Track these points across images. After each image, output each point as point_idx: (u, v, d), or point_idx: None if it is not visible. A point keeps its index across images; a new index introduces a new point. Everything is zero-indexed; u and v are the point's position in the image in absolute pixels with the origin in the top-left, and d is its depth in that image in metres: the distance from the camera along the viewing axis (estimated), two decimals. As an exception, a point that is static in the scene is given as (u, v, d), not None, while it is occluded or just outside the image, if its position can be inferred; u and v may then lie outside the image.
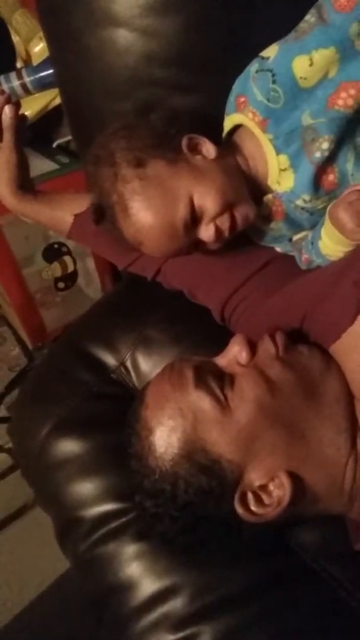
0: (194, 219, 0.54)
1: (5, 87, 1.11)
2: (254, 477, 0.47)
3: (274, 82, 0.49)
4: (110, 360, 0.72)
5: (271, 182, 0.56)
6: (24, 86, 1.11)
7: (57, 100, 1.15)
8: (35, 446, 0.67)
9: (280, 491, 0.46)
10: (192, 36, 0.53)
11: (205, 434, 0.46)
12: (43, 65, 1.08)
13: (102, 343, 0.73)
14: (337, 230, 0.52)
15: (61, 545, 0.65)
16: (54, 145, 1.32)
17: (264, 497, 0.47)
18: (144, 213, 0.54)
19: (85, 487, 0.62)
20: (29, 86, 1.12)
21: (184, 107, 0.58)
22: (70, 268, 1.44)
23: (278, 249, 0.64)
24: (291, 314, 0.56)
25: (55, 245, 1.37)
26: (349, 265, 0.52)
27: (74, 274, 1.46)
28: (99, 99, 0.60)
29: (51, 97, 1.16)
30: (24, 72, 1.10)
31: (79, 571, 0.62)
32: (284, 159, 0.53)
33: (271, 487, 0.47)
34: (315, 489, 0.48)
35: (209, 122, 0.55)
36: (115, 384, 0.71)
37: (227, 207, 0.55)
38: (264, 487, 0.47)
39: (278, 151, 0.52)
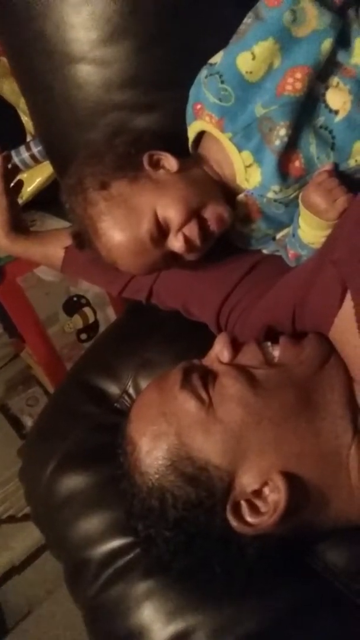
0: (161, 231, 0.55)
1: (16, 159, 1.23)
2: (246, 483, 0.43)
3: (222, 82, 0.51)
4: (113, 389, 0.71)
5: (240, 181, 0.56)
6: (33, 157, 1.23)
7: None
8: (41, 486, 0.66)
9: (275, 495, 0.42)
10: (142, 58, 0.58)
11: (190, 439, 0.44)
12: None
13: (104, 373, 0.73)
14: (312, 214, 0.51)
15: (71, 593, 0.61)
16: (69, 214, 1.42)
17: (259, 504, 0.43)
18: (111, 232, 0.56)
19: (91, 524, 0.59)
20: (37, 156, 1.23)
21: (147, 125, 0.61)
22: (91, 319, 1.48)
23: (265, 251, 0.63)
24: (282, 310, 0.54)
25: (75, 298, 1.43)
26: (326, 246, 0.50)
27: (95, 324, 1.50)
28: (70, 133, 0.66)
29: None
30: (32, 144, 1.22)
31: (89, 620, 0.57)
32: (247, 155, 0.53)
33: (266, 491, 0.42)
34: (318, 488, 0.43)
35: (171, 137, 0.57)
36: (119, 413, 0.69)
37: (193, 215, 0.55)
38: (257, 493, 0.43)
39: (240, 148, 0.53)
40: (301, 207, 0.52)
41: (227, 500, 0.43)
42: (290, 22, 0.48)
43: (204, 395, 0.45)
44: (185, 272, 0.64)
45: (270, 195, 0.54)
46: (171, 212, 0.55)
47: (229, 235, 0.61)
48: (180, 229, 0.55)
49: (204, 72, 0.54)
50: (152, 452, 0.45)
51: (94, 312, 1.49)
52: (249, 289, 0.60)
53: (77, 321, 1.47)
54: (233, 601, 0.48)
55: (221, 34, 0.53)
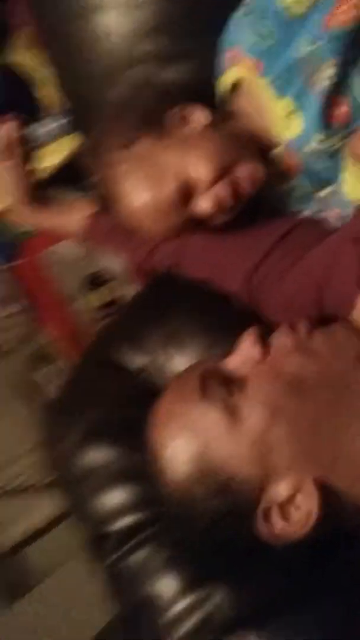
0: (187, 192, 0.51)
1: (36, 133, 1.17)
2: (277, 492, 0.39)
3: (262, 18, 0.44)
4: (138, 360, 0.67)
5: (278, 133, 0.50)
6: (49, 133, 1.17)
7: (84, 141, 1.21)
8: (65, 457, 0.63)
9: (308, 503, 0.38)
10: (174, 2, 0.53)
11: (217, 450, 0.40)
12: (66, 111, 1.14)
13: (129, 344, 0.69)
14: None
15: (93, 559, 0.59)
16: (88, 181, 1.37)
17: (291, 511, 0.39)
18: (134, 193, 0.51)
19: (113, 497, 0.57)
20: (55, 131, 1.17)
21: (177, 78, 0.56)
22: (113, 295, 1.45)
23: (306, 212, 0.57)
24: (307, 288, 0.50)
25: (97, 274, 1.39)
26: (349, 224, 0.44)
27: (118, 300, 1.46)
28: (95, 89, 0.62)
29: (76, 141, 1.21)
30: (50, 120, 1.16)
31: (110, 586, 0.56)
32: (286, 102, 0.47)
33: (298, 498, 0.39)
34: (353, 494, 0.39)
35: (203, 91, 0.51)
36: (143, 386, 0.65)
37: (222, 174, 0.50)
38: (290, 501, 0.39)
39: (279, 95, 0.47)
40: (348, 159, 0.46)
41: (258, 508, 0.39)
42: None
43: (228, 403, 0.40)
44: (212, 238, 0.59)
45: (313, 145, 0.48)
46: (199, 170, 0.49)
47: (264, 196, 0.55)
48: (209, 188, 0.50)
49: (240, 11, 0.48)
50: (177, 463, 0.41)
51: (116, 288, 1.45)
52: (280, 258, 0.55)
53: (100, 297, 1.44)
54: (257, 576, 0.46)
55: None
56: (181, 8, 0.53)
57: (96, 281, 1.43)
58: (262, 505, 0.39)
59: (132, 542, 0.53)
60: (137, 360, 0.67)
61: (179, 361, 0.64)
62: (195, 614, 0.48)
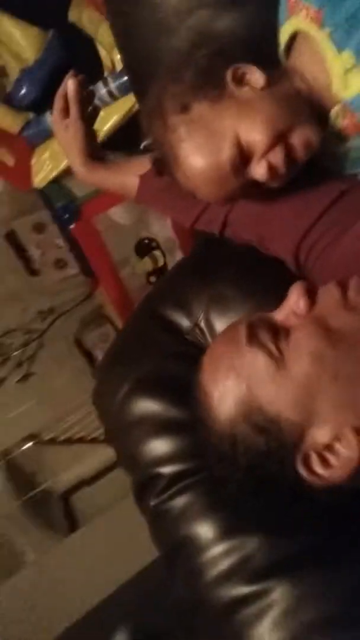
0: (243, 157, 0.50)
1: (100, 93, 1.18)
2: (318, 437, 0.41)
3: None
4: (184, 321, 0.70)
5: (337, 90, 0.48)
6: (110, 93, 1.19)
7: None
8: (115, 406, 0.68)
9: (348, 451, 0.40)
10: None
11: (261, 392, 0.42)
12: (125, 70, 1.14)
13: (175, 305, 0.71)
14: None
15: (138, 502, 0.64)
16: (142, 146, 1.38)
17: (330, 457, 0.41)
18: (191, 159, 0.52)
19: (162, 445, 0.61)
20: (115, 92, 1.19)
21: (234, 25, 0.54)
22: (161, 262, 1.48)
23: None
24: None
25: (146, 241, 1.42)
26: None
27: (165, 267, 1.49)
28: (152, 39, 0.61)
29: (135, 100, 1.22)
30: (109, 80, 1.17)
31: (153, 524, 0.60)
32: (347, 56, 0.45)
33: (337, 446, 0.41)
34: None
35: (261, 43, 0.50)
36: (190, 345, 0.68)
37: (279, 139, 0.49)
38: (329, 447, 0.41)
39: (340, 47, 0.45)
40: None
41: (298, 451, 0.42)
42: None
43: (273, 349, 0.43)
44: (264, 201, 0.59)
45: None
46: (255, 136, 0.49)
47: (321, 157, 0.54)
48: (264, 154, 0.50)
49: None
50: (223, 402, 0.44)
51: (164, 256, 1.47)
52: (332, 223, 0.54)
53: (147, 264, 1.47)
54: (293, 529, 0.48)
55: None
56: None
57: (146, 248, 1.46)
58: (303, 449, 0.41)
59: (177, 487, 0.56)
60: (183, 321, 0.70)
61: (222, 325, 0.65)
62: (231, 557, 0.51)
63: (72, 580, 1.31)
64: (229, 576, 0.51)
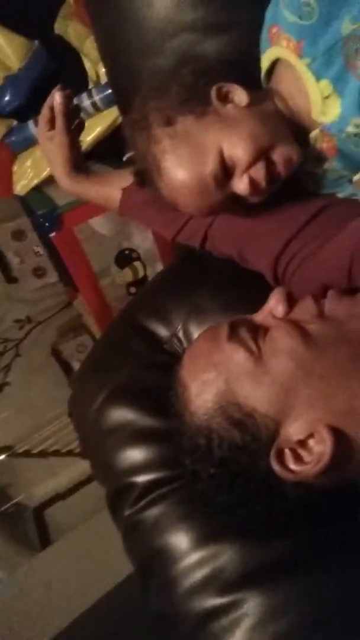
0: (226, 171, 0.52)
1: (83, 105, 1.19)
2: (292, 433, 0.42)
3: None
4: (162, 331, 0.71)
5: (315, 115, 0.51)
6: (94, 104, 1.20)
7: (124, 116, 1.22)
8: (90, 414, 0.68)
9: (320, 447, 0.41)
10: None
11: (238, 386, 0.44)
12: (109, 83, 1.16)
13: (155, 315, 0.72)
14: None
15: (112, 513, 0.63)
16: (124, 158, 1.40)
17: (303, 453, 0.42)
18: (174, 171, 0.53)
19: (136, 454, 0.61)
20: (99, 104, 1.20)
21: (217, 50, 0.56)
22: (141, 273, 1.49)
23: (340, 195, 0.58)
24: (339, 264, 0.51)
25: (127, 252, 1.43)
26: None
27: (145, 278, 1.50)
28: (137, 58, 0.62)
29: (119, 113, 1.24)
30: (93, 92, 1.19)
31: (127, 536, 0.60)
32: (325, 85, 0.48)
33: (311, 443, 0.42)
34: None
35: (244, 65, 0.52)
36: (168, 355, 0.69)
37: (261, 155, 0.51)
38: (302, 443, 0.42)
39: (318, 77, 0.48)
40: None
41: (272, 446, 0.43)
42: None
43: (252, 346, 0.45)
44: (244, 216, 0.61)
45: (351, 129, 0.48)
46: (238, 151, 0.51)
47: (299, 177, 0.57)
48: (246, 169, 0.52)
49: None
50: (201, 395, 0.45)
51: (144, 267, 1.48)
52: (311, 236, 0.56)
53: (128, 274, 1.48)
54: (269, 532, 0.49)
55: None
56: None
57: (126, 259, 1.47)
58: (277, 444, 0.42)
59: (150, 497, 0.56)
60: (162, 331, 0.71)
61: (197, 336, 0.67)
62: (204, 568, 0.51)
63: (43, 599, 1.27)
64: (202, 588, 0.51)
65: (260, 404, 0.43)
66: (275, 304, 0.48)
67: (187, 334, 0.69)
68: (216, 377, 0.45)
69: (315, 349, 0.43)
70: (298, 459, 0.42)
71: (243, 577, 0.49)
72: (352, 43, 0.45)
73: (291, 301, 0.48)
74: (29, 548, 1.56)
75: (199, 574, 0.51)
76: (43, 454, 1.81)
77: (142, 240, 1.46)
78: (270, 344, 0.45)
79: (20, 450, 1.78)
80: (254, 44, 0.53)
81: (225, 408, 0.43)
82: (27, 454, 1.79)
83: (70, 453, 1.82)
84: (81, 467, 1.79)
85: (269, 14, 0.51)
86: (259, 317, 0.49)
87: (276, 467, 0.42)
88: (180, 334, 0.69)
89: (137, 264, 1.48)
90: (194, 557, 0.52)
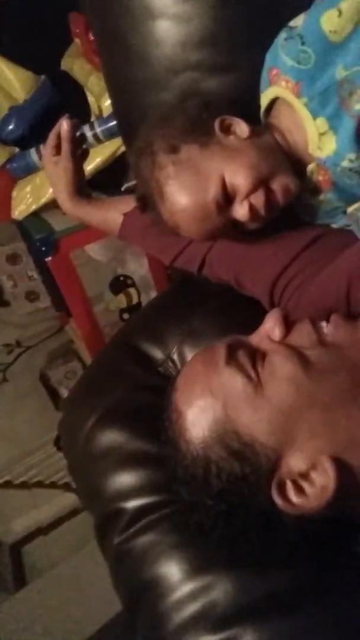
0: (227, 198, 0.55)
1: (88, 134, 1.25)
2: (293, 464, 0.41)
3: (302, 43, 0.49)
4: (157, 354, 0.71)
5: (312, 150, 0.54)
6: (95, 136, 1.25)
7: (124, 148, 1.28)
8: (80, 438, 0.66)
9: (323, 479, 0.40)
10: (222, 16, 0.57)
11: (237, 414, 0.42)
12: (111, 117, 1.22)
13: (150, 338, 0.73)
14: None
15: (100, 542, 0.61)
16: (123, 188, 1.45)
17: (305, 485, 0.41)
18: (177, 196, 0.55)
19: (127, 478, 0.59)
20: (100, 136, 1.25)
21: (219, 88, 0.60)
22: (135, 300, 1.50)
23: (334, 226, 0.61)
24: (336, 289, 0.52)
25: (121, 278, 1.45)
26: None
27: (139, 305, 1.51)
28: (143, 93, 0.66)
29: (118, 145, 1.29)
30: (95, 124, 1.24)
31: (114, 567, 0.57)
32: (321, 122, 0.51)
33: (313, 475, 0.41)
34: None
35: (244, 102, 0.56)
36: (162, 377, 0.69)
37: (261, 183, 0.54)
38: (304, 475, 0.41)
39: (315, 115, 0.52)
40: None
41: (272, 477, 0.41)
42: None
43: (251, 372, 0.43)
44: (242, 243, 0.63)
45: (345, 164, 0.51)
46: (239, 179, 0.54)
47: (296, 208, 0.59)
48: (246, 196, 0.54)
49: (282, 35, 0.53)
50: (197, 423, 0.44)
51: (139, 294, 1.50)
52: (307, 263, 0.58)
53: (122, 300, 1.49)
54: (264, 564, 0.47)
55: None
56: (228, 24, 0.58)
57: (121, 285, 1.49)
58: (278, 475, 0.41)
59: (140, 524, 0.55)
60: (156, 353, 0.71)
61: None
62: (196, 602, 0.49)
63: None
64: (194, 624, 0.48)
65: (260, 432, 0.41)
66: (272, 326, 0.47)
67: (182, 357, 0.69)
68: (213, 404, 0.43)
69: (316, 376, 0.42)
70: (300, 490, 0.41)
71: (237, 611, 0.47)
72: (346, 86, 0.48)
73: (288, 324, 0.47)
74: (1, 589, 1.47)
75: (190, 609, 0.49)
76: (25, 485, 1.74)
77: (137, 267, 1.48)
78: (270, 370, 0.43)
79: (1, 481, 1.72)
80: (254, 83, 0.57)
81: (224, 436, 0.42)
82: (7, 484, 1.73)
83: (53, 485, 1.76)
84: (64, 500, 1.72)
85: (269, 57, 0.56)
86: (255, 339, 0.48)
87: (278, 500, 0.41)
88: (175, 357, 0.69)
89: (131, 290, 1.50)
90: (185, 589, 0.50)
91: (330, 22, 0.48)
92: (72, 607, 1.26)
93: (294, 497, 0.41)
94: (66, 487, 1.76)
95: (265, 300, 0.63)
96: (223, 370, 0.44)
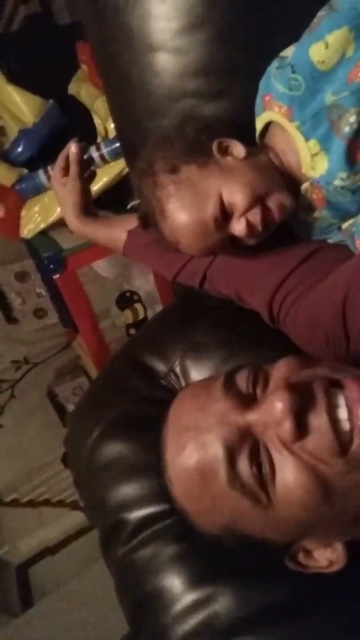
0: (225, 215, 0.58)
1: (94, 155, 1.30)
2: (306, 544, 0.44)
3: (293, 72, 0.53)
4: (160, 367, 0.74)
5: (306, 170, 0.57)
6: (102, 157, 1.31)
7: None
8: (85, 451, 0.69)
9: (334, 556, 0.43)
10: (216, 47, 0.62)
11: (247, 525, 0.41)
12: (116, 138, 1.28)
13: (153, 351, 0.75)
14: None
15: (105, 556, 0.63)
16: (128, 207, 1.49)
17: (316, 554, 0.44)
18: (178, 213, 0.59)
19: (130, 489, 0.61)
20: (106, 156, 1.31)
21: (216, 113, 0.65)
22: (141, 315, 1.53)
23: (330, 241, 0.64)
24: (333, 300, 0.54)
25: (127, 294, 1.48)
26: None
27: (145, 320, 1.54)
28: (144, 119, 0.70)
29: (124, 165, 1.34)
30: (101, 145, 1.30)
31: (119, 580, 0.59)
32: (313, 144, 0.55)
33: (326, 550, 0.44)
34: None
35: (239, 126, 0.61)
36: (165, 390, 0.71)
37: (257, 201, 0.57)
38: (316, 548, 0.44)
39: (307, 137, 0.55)
40: None
41: (286, 552, 0.44)
42: None
43: (261, 495, 0.39)
44: (241, 258, 0.66)
45: (337, 182, 0.55)
46: (236, 197, 0.57)
47: (292, 225, 0.63)
48: (243, 213, 0.58)
49: (274, 64, 0.57)
50: (202, 521, 0.43)
51: (145, 309, 1.53)
52: (304, 276, 0.61)
53: (128, 316, 1.52)
54: (264, 573, 0.48)
55: (292, 28, 0.55)
56: (221, 55, 0.62)
57: (127, 300, 1.52)
58: (291, 551, 0.43)
59: (142, 535, 0.56)
60: (159, 366, 0.73)
61: (194, 372, 0.70)
62: (198, 614, 0.50)
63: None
64: (196, 635, 0.50)
65: (272, 535, 0.41)
66: (281, 418, 0.38)
67: (184, 369, 0.71)
68: (220, 515, 0.41)
69: (334, 499, 0.38)
70: (309, 555, 0.44)
71: (239, 622, 0.48)
72: (335, 110, 0.52)
73: (302, 408, 0.38)
74: (7, 611, 1.47)
75: (192, 620, 0.50)
76: (32, 504, 1.75)
77: (143, 283, 1.52)
78: (282, 489, 0.39)
79: (8, 499, 1.73)
80: (247, 107, 0.61)
81: (232, 533, 0.42)
82: (14, 503, 1.74)
83: (61, 503, 1.77)
84: (72, 519, 1.73)
85: (262, 84, 0.60)
86: (255, 417, 0.40)
87: (290, 565, 0.44)
88: (178, 369, 0.72)
89: (137, 305, 1.53)
90: (187, 601, 0.51)
91: (318, 53, 0.51)
92: (80, 628, 1.26)
93: (303, 560, 0.44)
94: (73, 505, 1.76)
95: (265, 313, 0.65)
96: (227, 492, 0.40)
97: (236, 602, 0.49)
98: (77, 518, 1.75)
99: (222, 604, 0.50)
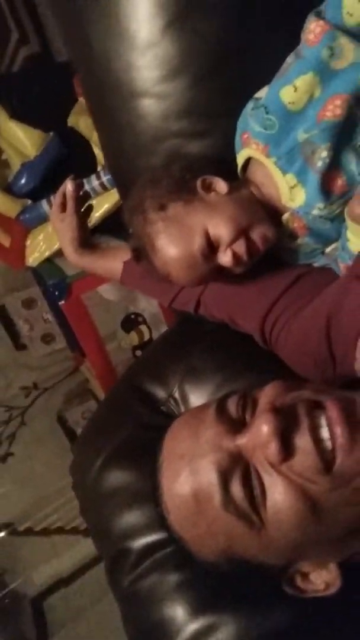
0: (212, 248, 0.62)
1: (87, 187, 1.37)
2: (302, 568, 0.46)
3: (267, 112, 0.58)
4: (160, 393, 0.77)
5: (285, 202, 0.62)
6: (102, 185, 1.37)
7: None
8: (89, 479, 0.72)
9: (330, 577, 0.45)
10: (195, 91, 0.67)
11: (242, 549, 0.44)
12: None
13: (153, 377, 0.79)
14: (359, 226, 0.55)
15: (110, 581, 0.65)
16: (130, 231, 1.55)
17: (312, 576, 0.46)
18: (167, 248, 0.64)
19: (133, 516, 0.64)
20: (106, 184, 1.37)
21: (200, 151, 0.69)
22: (147, 336, 1.58)
23: (316, 265, 0.67)
24: (318, 325, 0.58)
25: (132, 316, 1.53)
26: (355, 264, 0.54)
27: (150, 341, 1.58)
28: (133, 158, 0.76)
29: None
30: (101, 174, 1.36)
31: (124, 610, 0.61)
32: (290, 177, 0.59)
33: (321, 572, 0.46)
34: None
35: (222, 162, 0.65)
36: (165, 416, 0.74)
37: (241, 233, 0.62)
38: (313, 570, 0.46)
39: (284, 171, 0.59)
40: (347, 220, 0.56)
41: (282, 575, 0.46)
42: (328, 57, 0.54)
43: (253, 517, 0.41)
44: (232, 284, 0.70)
45: (315, 212, 0.59)
46: (221, 230, 0.61)
47: (277, 252, 0.67)
48: (229, 245, 0.62)
49: (250, 105, 0.62)
50: (198, 547, 0.46)
51: (150, 330, 1.58)
52: (293, 299, 0.65)
53: (133, 338, 1.57)
54: (266, 605, 0.50)
55: (266, 71, 0.60)
56: (201, 98, 0.68)
57: (132, 322, 1.57)
58: (287, 574, 0.45)
59: (145, 564, 0.58)
60: (159, 392, 0.77)
61: (193, 397, 0.73)
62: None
63: None
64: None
65: (267, 558, 0.44)
66: (266, 441, 0.41)
67: (183, 394, 0.74)
68: (215, 540, 0.43)
69: (323, 517, 0.41)
70: (306, 578, 0.46)
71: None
72: (308, 147, 0.57)
73: (288, 443, 0.41)
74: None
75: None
76: (46, 532, 1.77)
77: (148, 305, 1.57)
78: (273, 510, 0.41)
79: (22, 528, 1.76)
80: (228, 145, 0.66)
81: (228, 557, 0.44)
82: (28, 532, 1.76)
83: (75, 530, 1.78)
84: (85, 547, 1.74)
85: (239, 123, 0.65)
86: (244, 440, 0.43)
87: (287, 589, 0.46)
88: (177, 395, 0.75)
89: (142, 327, 1.58)
90: (191, 630, 0.53)
91: (288, 95, 0.56)
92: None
93: (300, 583, 0.46)
94: (87, 532, 1.78)
95: (258, 336, 0.69)
96: (220, 514, 0.42)
97: (239, 629, 0.51)
98: (90, 546, 1.75)
99: (224, 633, 0.51)
